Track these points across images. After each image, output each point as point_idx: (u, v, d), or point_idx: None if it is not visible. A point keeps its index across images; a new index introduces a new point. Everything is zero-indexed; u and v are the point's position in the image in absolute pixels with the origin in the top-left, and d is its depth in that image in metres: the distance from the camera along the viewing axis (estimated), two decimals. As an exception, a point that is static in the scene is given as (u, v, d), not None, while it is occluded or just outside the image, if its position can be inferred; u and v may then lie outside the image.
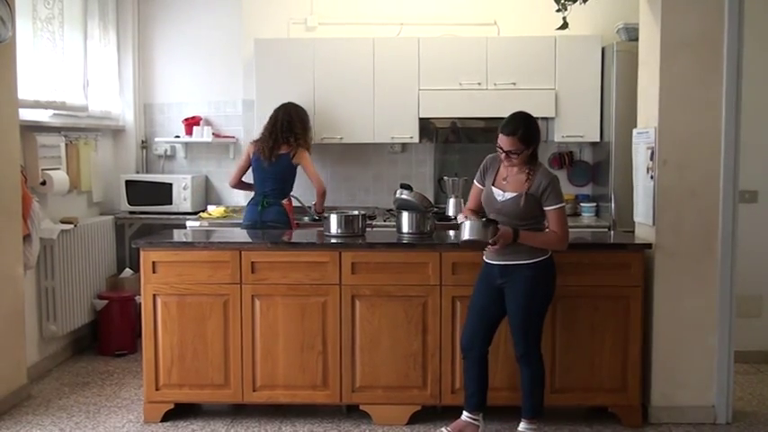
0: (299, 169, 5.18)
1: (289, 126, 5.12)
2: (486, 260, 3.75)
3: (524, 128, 3.58)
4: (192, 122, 6.10)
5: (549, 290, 3.72)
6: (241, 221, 5.24)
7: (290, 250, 4.12)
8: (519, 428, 3.74)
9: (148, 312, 4.08)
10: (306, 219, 5.63)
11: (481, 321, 3.76)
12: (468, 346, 3.78)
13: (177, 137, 6.16)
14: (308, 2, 6.05)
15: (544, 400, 3.78)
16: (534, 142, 3.62)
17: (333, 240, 4.20)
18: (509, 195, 3.64)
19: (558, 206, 3.60)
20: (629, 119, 4.80)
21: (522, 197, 3.59)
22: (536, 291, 3.65)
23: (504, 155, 3.62)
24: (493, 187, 3.71)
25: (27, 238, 4.54)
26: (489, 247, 3.61)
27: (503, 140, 3.60)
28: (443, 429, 3.83)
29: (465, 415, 3.81)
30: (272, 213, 5.08)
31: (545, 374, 3.76)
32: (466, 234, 3.56)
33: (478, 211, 3.79)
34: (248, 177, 5.28)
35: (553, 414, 4.13)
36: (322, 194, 5.23)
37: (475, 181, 3.85)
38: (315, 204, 5.27)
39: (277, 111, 5.19)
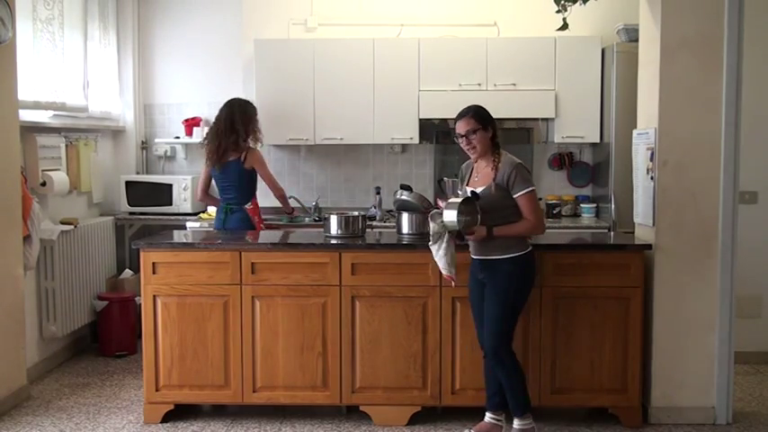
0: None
1: (231, 127, 4.86)
2: (472, 256, 3.76)
3: (474, 109, 3.69)
4: (192, 123, 6.10)
5: (526, 286, 3.69)
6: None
7: (291, 251, 4.12)
8: (514, 427, 3.71)
9: (148, 313, 4.08)
10: (307, 219, 5.64)
11: (480, 319, 3.76)
12: (481, 345, 3.78)
13: (177, 138, 6.17)
14: (308, 2, 6.05)
15: (528, 392, 3.74)
16: (489, 122, 3.66)
17: (333, 241, 4.19)
18: (479, 190, 3.65)
19: (525, 191, 3.58)
20: (629, 119, 4.80)
21: (492, 187, 3.59)
22: (510, 286, 3.64)
23: (464, 140, 3.65)
24: (467, 187, 3.74)
25: (27, 238, 4.54)
26: (467, 237, 3.62)
27: (458, 126, 3.69)
28: (467, 431, 3.83)
29: (488, 416, 3.80)
30: (235, 221, 4.95)
31: (520, 368, 3.71)
32: (446, 217, 3.53)
33: None
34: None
35: (553, 415, 4.13)
36: (281, 198, 5.12)
37: (458, 192, 3.85)
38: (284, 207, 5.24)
39: (220, 111, 4.96)
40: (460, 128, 3.67)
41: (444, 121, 5.91)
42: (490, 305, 3.66)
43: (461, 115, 3.69)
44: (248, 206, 4.98)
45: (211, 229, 5.41)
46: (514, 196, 3.60)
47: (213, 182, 5.06)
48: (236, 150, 4.88)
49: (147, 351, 4.09)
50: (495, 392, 3.77)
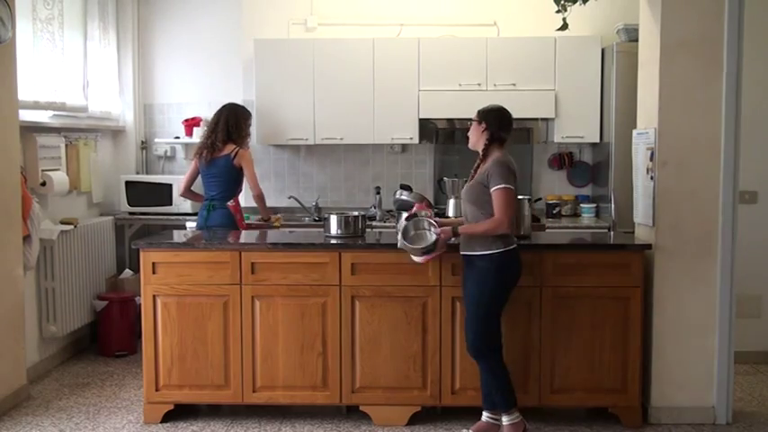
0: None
1: (236, 126, 4.95)
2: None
3: (487, 106, 3.78)
4: (191, 123, 6.10)
5: (501, 284, 3.65)
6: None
7: (290, 251, 4.12)
8: (503, 423, 3.70)
9: (148, 313, 4.08)
10: (306, 219, 5.64)
11: None
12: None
13: (177, 138, 6.17)
14: (308, 2, 6.06)
15: (513, 387, 3.72)
16: (487, 119, 3.70)
17: (333, 241, 4.19)
18: (468, 185, 3.72)
19: (498, 187, 3.54)
20: (628, 119, 4.80)
21: (475, 184, 3.64)
22: (485, 283, 3.62)
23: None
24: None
25: (27, 238, 4.54)
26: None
27: None
28: (464, 431, 3.83)
29: (485, 415, 3.80)
30: (217, 217, 4.93)
31: (503, 366, 3.69)
32: (399, 243, 3.79)
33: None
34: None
35: (553, 415, 4.14)
36: (258, 199, 5.01)
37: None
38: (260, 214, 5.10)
39: (221, 111, 5.02)
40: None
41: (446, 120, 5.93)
42: (468, 303, 3.70)
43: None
44: (230, 204, 4.95)
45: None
46: (491, 191, 3.58)
47: (200, 179, 5.05)
48: (228, 147, 4.93)
49: (147, 351, 4.09)
50: (491, 392, 3.77)
